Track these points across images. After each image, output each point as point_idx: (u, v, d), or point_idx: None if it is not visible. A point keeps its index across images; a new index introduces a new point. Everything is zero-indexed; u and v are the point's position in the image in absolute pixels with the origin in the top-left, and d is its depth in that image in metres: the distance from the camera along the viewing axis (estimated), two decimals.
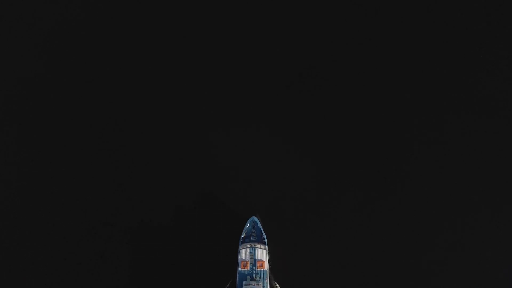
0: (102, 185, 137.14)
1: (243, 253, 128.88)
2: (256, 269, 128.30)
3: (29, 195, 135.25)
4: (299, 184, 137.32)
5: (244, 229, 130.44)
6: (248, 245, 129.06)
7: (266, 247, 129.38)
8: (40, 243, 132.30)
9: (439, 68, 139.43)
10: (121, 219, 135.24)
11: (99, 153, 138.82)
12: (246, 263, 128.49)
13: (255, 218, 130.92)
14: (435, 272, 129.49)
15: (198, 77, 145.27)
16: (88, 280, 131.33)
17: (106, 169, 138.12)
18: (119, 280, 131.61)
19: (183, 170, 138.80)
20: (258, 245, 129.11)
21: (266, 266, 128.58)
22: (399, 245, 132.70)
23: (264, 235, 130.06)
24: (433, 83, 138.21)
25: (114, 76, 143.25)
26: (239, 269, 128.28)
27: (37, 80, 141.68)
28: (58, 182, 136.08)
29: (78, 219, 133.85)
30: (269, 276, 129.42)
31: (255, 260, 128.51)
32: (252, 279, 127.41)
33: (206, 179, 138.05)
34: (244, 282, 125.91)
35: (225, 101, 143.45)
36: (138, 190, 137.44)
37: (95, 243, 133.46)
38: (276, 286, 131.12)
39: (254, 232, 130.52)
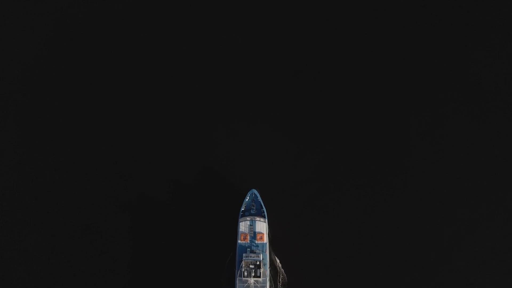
0: (99, 150, 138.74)
1: (243, 226, 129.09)
2: (256, 242, 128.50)
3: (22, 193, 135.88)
4: (299, 159, 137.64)
5: (244, 202, 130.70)
6: (248, 218, 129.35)
7: (266, 220, 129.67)
8: (38, 242, 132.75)
9: (440, 64, 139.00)
10: (122, 193, 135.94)
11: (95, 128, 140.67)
12: (246, 235, 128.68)
13: (255, 191, 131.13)
14: (435, 263, 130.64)
15: (198, 65, 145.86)
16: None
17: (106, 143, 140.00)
18: (121, 251, 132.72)
19: (182, 145, 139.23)
20: (258, 218, 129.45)
21: (266, 239, 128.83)
22: (397, 220, 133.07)
23: (264, 209, 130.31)
24: (434, 81, 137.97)
25: (113, 67, 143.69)
26: (239, 242, 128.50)
27: (32, 76, 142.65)
28: (58, 181, 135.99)
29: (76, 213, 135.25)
30: (269, 249, 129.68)
31: (255, 233, 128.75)
32: (252, 251, 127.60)
33: (205, 154, 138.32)
34: (244, 255, 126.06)
35: (226, 86, 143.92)
36: (138, 164, 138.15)
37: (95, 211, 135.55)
38: (275, 259, 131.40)
39: (253, 206, 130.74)
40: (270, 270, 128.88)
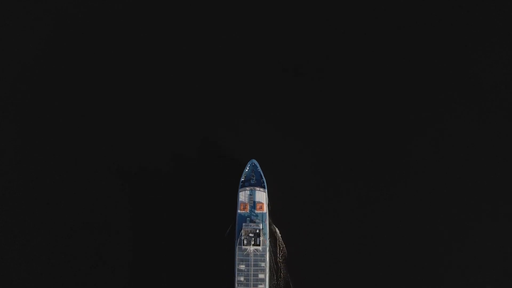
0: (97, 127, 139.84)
1: (243, 196, 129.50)
2: (256, 211, 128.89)
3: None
4: (300, 129, 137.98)
5: (244, 172, 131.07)
6: (248, 188, 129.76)
7: (266, 190, 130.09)
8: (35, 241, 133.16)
9: (440, 64, 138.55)
10: (122, 170, 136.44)
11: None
12: (246, 205, 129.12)
13: (255, 161, 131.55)
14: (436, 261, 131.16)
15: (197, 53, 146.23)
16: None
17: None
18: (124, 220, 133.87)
19: (182, 117, 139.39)
20: (257, 188, 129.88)
21: (265, 209, 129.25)
22: (397, 216, 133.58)
23: (264, 179, 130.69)
24: (434, 81, 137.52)
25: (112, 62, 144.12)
26: (239, 211, 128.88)
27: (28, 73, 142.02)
28: (58, 181, 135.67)
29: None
30: (268, 220, 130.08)
31: (254, 202, 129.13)
32: (252, 221, 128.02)
33: (205, 124, 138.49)
34: (244, 224, 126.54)
35: (226, 64, 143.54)
36: (138, 139, 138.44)
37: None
38: (275, 230, 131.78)
39: (253, 176, 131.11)
40: (269, 241, 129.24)
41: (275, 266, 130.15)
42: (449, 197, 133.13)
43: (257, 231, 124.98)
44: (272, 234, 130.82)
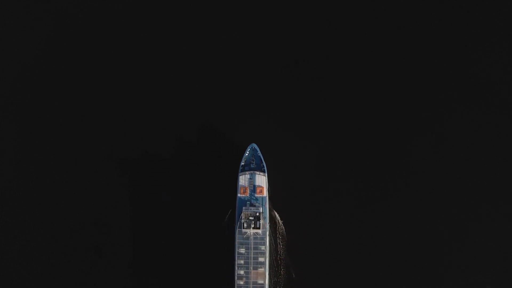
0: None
1: (243, 180, 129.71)
2: (256, 195, 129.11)
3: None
4: (300, 113, 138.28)
5: (244, 156, 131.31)
6: (248, 172, 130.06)
7: (266, 174, 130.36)
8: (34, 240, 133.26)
9: (440, 64, 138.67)
10: (123, 160, 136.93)
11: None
12: (246, 189, 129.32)
13: (255, 146, 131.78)
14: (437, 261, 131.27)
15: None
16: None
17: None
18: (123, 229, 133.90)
19: (182, 101, 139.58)
20: (257, 173, 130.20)
21: (265, 192, 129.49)
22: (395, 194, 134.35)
23: (264, 163, 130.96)
24: (434, 81, 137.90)
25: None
26: (239, 195, 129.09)
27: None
28: (58, 181, 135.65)
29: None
30: (268, 205, 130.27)
31: (254, 186, 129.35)
32: (252, 204, 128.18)
33: (205, 108, 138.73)
34: (244, 208, 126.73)
35: (227, 49, 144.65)
36: (139, 122, 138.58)
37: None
38: (275, 215, 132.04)
39: (253, 160, 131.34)
40: (269, 225, 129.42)
41: (275, 250, 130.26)
42: (449, 197, 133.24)
43: (257, 214, 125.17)
44: (272, 219, 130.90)
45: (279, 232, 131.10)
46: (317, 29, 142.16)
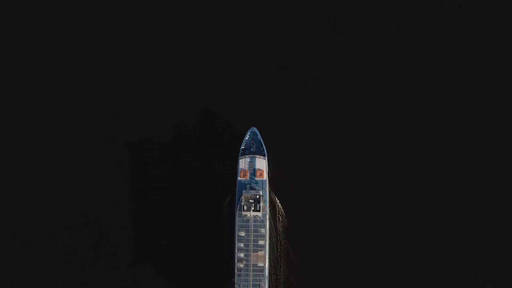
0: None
1: (243, 163, 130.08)
2: (256, 179, 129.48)
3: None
4: (301, 96, 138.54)
5: (244, 140, 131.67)
6: (248, 156, 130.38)
7: (266, 158, 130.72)
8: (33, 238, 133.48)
9: (440, 64, 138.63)
10: (122, 136, 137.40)
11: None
12: (246, 172, 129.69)
13: (255, 129, 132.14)
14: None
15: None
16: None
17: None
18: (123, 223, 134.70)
19: (181, 85, 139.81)
20: (258, 156, 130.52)
21: (265, 176, 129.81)
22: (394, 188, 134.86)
23: (264, 147, 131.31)
24: (434, 81, 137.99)
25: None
26: (239, 178, 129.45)
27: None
28: (57, 181, 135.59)
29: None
30: (268, 189, 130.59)
31: (254, 169, 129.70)
32: (252, 188, 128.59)
33: (204, 92, 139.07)
34: (244, 191, 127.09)
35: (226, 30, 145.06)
36: (139, 108, 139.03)
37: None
38: (275, 199, 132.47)
39: (253, 144, 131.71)
40: (269, 209, 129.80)
41: (275, 234, 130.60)
42: (449, 197, 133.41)
43: (257, 196, 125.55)
44: (272, 203, 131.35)
45: (278, 216, 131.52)
46: (318, 33, 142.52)
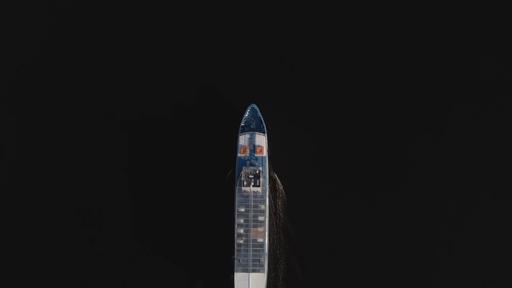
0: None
1: (243, 140, 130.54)
2: (256, 155, 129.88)
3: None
4: (301, 71, 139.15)
5: (244, 117, 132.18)
6: (248, 133, 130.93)
7: (266, 135, 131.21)
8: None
9: (440, 64, 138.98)
10: (123, 113, 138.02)
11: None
12: (246, 149, 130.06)
13: (255, 106, 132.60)
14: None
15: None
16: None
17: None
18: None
19: (179, 62, 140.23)
20: (257, 133, 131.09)
21: (265, 152, 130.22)
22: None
23: (264, 124, 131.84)
24: (434, 81, 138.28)
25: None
26: (239, 155, 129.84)
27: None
28: (57, 181, 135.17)
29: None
30: (268, 166, 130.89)
31: (254, 146, 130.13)
32: (252, 164, 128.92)
33: (203, 68, 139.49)
34: (244, 167, 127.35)
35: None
36: (139, 85, 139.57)
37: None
38: (274, 176, 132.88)
39: (253, 121, 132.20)
40: (269, 186, 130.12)
41: (274, 211, 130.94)
42: (449, 197, 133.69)
43: (257, 172, 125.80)
44: (271, 180, 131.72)
45: (278, 193, 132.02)
46: (320, 33, 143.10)
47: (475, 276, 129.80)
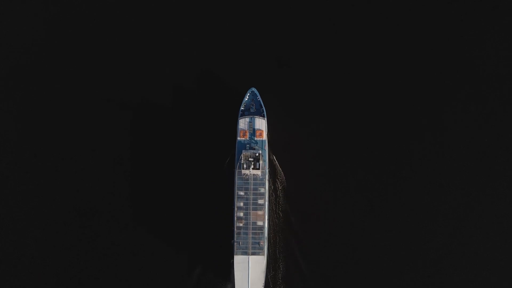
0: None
1: (242, 123, 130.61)
2: (255, 139, 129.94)
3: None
4: (301, 54, 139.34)
5: (243, 101, 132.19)
6: (247, 117, 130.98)
7: (265, 119, 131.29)
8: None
9: (440, 64, 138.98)
10: (122, 97, 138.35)
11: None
12: (245, 132, 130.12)
13: (254, 90, 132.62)
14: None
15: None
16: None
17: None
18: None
19: (178, 47, 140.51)
20: (257, 117, 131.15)
21: (265, 136, 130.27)
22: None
23: (264, 108, 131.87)
24: (434, 80, 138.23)
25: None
26: (238, 138, 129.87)
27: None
28: (57, 181, 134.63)
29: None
30: (268, 150, 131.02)
31: (254, 129, 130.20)
32: (251, 148, 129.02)
33: (202, 52, 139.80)
34: (243, 151, 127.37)
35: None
36: (139, 68, 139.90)
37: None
38: (274, 159, 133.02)
39: (253, 104, 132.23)
40: (269, 170, 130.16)
41: (274, 195, 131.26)
42: (449, 197, 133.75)
43: (257, 154, 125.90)
44: (271, 164, 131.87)
45: (278, 177, 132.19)
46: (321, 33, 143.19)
47: (475, 276, 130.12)
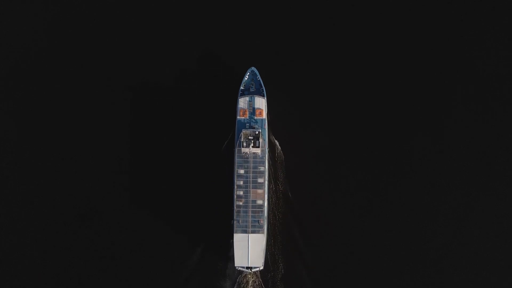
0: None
1: (242, 102, 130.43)
2: (255, 118, 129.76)
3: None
4: (301, 35, 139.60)
5: (243, 81, 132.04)
6: (247, 96, 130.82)
7: (265, 98, 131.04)
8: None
9: (440, 64, 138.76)
10: (121, 80, 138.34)
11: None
12: (245, 111, 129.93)
13: (254, 69, 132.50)
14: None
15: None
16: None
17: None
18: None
19: (180, 24, 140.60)
20: (257, 96, 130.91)
21: (264, 115, 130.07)
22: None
23: (263, 88, 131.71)
24: (434, 81, 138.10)
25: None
26: (238, 117, 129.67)
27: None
28: (57, 181, 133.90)
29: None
30: (267, 130, 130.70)
31: (254, 108, 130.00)
32: (251, 126, 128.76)
33: (201, 31, 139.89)
34: (243, 130, 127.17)
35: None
36: (138, 50, 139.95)
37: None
38: (274, 141, 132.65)
39: (253, 84, 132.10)
40: (268, 150, 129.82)
41: (273, 174, 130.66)
42: (449, 197, 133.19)
43: (257, 133, 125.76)
44: (271, 144, 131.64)
45: (278, 157, 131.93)
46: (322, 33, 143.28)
47: (475, 276, 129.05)
